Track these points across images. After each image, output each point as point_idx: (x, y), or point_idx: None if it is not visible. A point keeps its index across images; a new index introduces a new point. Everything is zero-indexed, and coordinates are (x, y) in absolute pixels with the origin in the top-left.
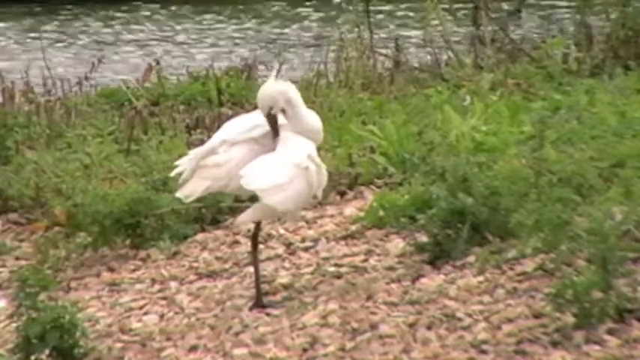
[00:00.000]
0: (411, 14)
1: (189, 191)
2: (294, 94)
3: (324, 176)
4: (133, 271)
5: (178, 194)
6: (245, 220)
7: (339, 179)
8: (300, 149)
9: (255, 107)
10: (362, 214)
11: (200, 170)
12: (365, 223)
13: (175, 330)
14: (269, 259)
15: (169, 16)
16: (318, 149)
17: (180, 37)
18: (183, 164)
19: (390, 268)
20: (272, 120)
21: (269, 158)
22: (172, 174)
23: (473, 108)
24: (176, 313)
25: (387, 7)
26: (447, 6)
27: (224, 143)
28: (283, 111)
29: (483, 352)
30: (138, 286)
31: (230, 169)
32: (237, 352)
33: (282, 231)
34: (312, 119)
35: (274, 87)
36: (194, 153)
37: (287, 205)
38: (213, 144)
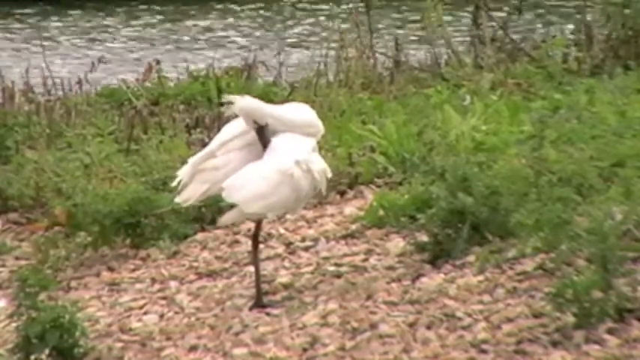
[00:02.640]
0: (411, 13)
1: (188, 195)
2: (257, 105)
3: (319, 176)
4: (133, 270)
5: (177, 199)
6: (228, 220)
7: (339, 179)
8: (289, 154)
9: None
10: (362, 213)
11: (199, 174)
12: (365, 223)
13: (175, 330)
14: (269, 258)
15: (169, 14)
16: (319, 149)
17: (181, 36)
18: (183, 173)
19: (390, 268)
20: (259, 132)
21: (253, 167)
22: (173, 184)
23: (473, 108)
24: (176, 312)
25: (387, 7)
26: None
27: (222, 146)
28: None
29: (483, 351)
30: (138, 286)
31: (228, 172)
32: (237, 351)
33: (282, 230)
34: (298, 114)
35: (239, 106)
36: (193, 160)
37: (272, 211)
38: (212, 148)
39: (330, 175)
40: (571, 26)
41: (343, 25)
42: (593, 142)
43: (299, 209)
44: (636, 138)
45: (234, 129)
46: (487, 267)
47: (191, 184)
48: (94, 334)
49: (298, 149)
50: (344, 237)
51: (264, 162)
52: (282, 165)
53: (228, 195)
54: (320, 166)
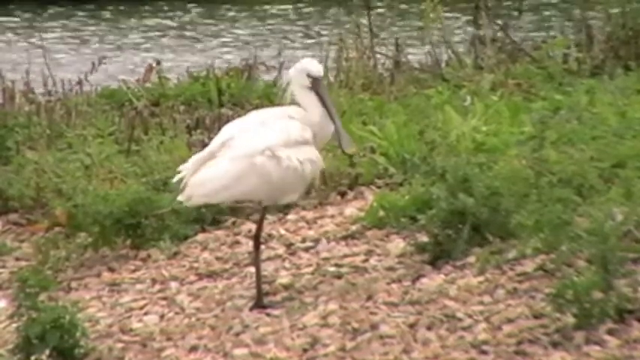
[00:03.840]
0: (411, 13)
1: (189, 194)
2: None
3: (292, 164)
4: (134, 271)
5: (180, 198)
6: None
7: (339, 179)
8: (261, 140)
9: (256, 107)
10: (362, 214)
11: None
12: (365, 224)
13: (176, 330)
14: (269, 259)
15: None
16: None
17: (180, 36)
18: (185, 170)
19: (391, 269)
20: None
21: (219, 159)
22: (174, 180)
23: (473, 108)
24: (176, 313)
25: (387, 7)
26: (447, 10)
27: (222, 146)
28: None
29: (484, 352)
30: (138, 287)
31: None
32: (237, 352)
33: (282, 231)
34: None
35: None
36: (195, 159)
37: (240, 199)
38: (212, 148)
39: (322, 166)
40: (570, 21)
41: (343, 28)
42: (593, 143)
43: (292, 197)
44: (637, 139)
45: (234, 129)
46: (487, 268)
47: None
48: (94, 335)
49: (270, 137)
50: (344, 238)
51: (232, 149)
52: (249, 150)
53: (190, 193)
54: (306, 156)
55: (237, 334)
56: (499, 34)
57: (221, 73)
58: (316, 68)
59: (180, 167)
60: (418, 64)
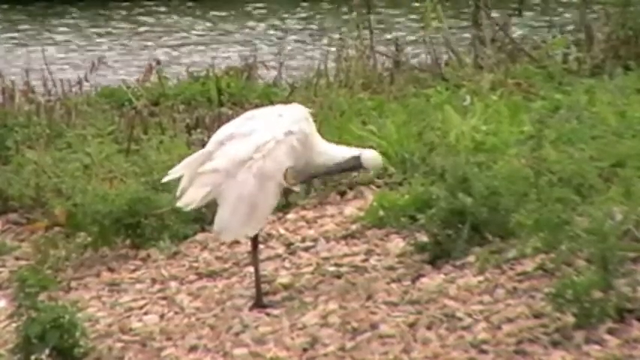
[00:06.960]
0: (411, 13)
1: (190, 199)
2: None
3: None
4: (133, 271)
5: (179, 204)
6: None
7: (339, 179)
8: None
9: (255, 106)
10: (362, 213)
11: (198, 177)
12: (365, 223)
13: (175, 330)
14: (269, 258)
15: (167, 13)
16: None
17: (180, 36)
18: (177, 171)
19: (390, 268)
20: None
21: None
22: (165, 180)
23: (473, 108)
24: (176, 313)
25: (387, 7)
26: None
27: (219, 147)
28: None
29: (483, 351)
30: (138, 286)
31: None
32: (237, 351)
33: (282, 231)
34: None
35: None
36: (189, 161)
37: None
38: (209, 149)
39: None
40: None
41: (343, 28)
42: (593, 143)
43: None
44: (636, 138)
45: (231, 129)
46: (487, 267)
47: (191, 187)
48: (94, 335)
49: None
50: (344, 237)
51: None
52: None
53: (224, 237)
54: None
55: (237, 334)
56: (499, 33)
57: (221, 73)
58: None
59: (171, 171)
60: (418, 64)
